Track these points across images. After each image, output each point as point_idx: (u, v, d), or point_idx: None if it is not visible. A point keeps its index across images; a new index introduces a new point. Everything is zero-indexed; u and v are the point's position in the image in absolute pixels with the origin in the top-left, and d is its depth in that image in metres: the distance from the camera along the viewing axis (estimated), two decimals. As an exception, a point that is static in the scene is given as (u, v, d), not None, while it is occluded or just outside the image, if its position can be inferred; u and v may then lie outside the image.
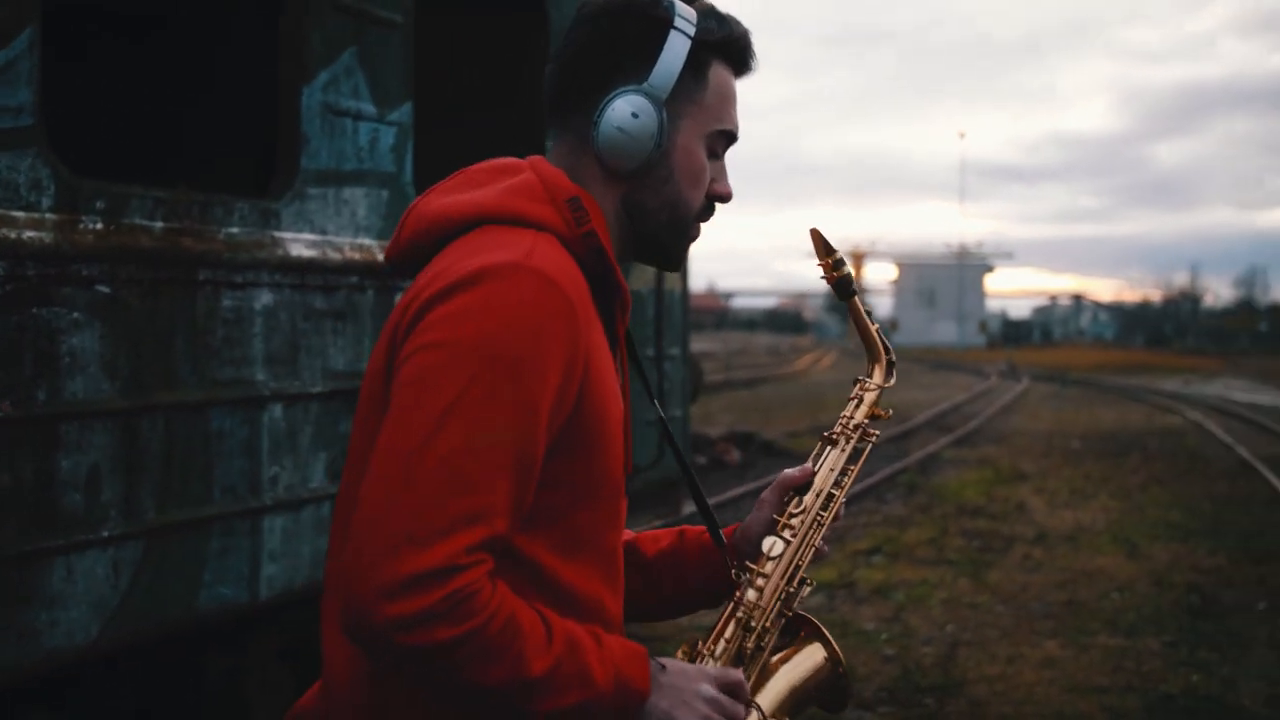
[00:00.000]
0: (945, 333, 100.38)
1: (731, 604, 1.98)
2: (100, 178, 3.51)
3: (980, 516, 12.21)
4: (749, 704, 1.86)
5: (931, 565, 9.91)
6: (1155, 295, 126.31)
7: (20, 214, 3.17)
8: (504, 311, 1.60)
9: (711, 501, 5.18)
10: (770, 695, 1.96)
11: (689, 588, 2.13)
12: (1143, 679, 6.89)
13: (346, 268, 4.26)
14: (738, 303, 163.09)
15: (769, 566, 1.98)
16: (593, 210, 1.78)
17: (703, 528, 2.12)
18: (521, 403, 1.59)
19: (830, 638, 2.04)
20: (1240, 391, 35.30)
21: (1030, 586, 9.18)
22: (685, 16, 1.82)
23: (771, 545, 1.99)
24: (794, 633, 2.04)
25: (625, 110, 1.79)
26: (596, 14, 1.84)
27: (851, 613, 8.38)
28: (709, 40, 1.84)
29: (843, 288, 2.06)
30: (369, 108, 4.39)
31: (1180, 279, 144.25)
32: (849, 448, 2.09)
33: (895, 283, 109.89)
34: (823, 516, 2.04)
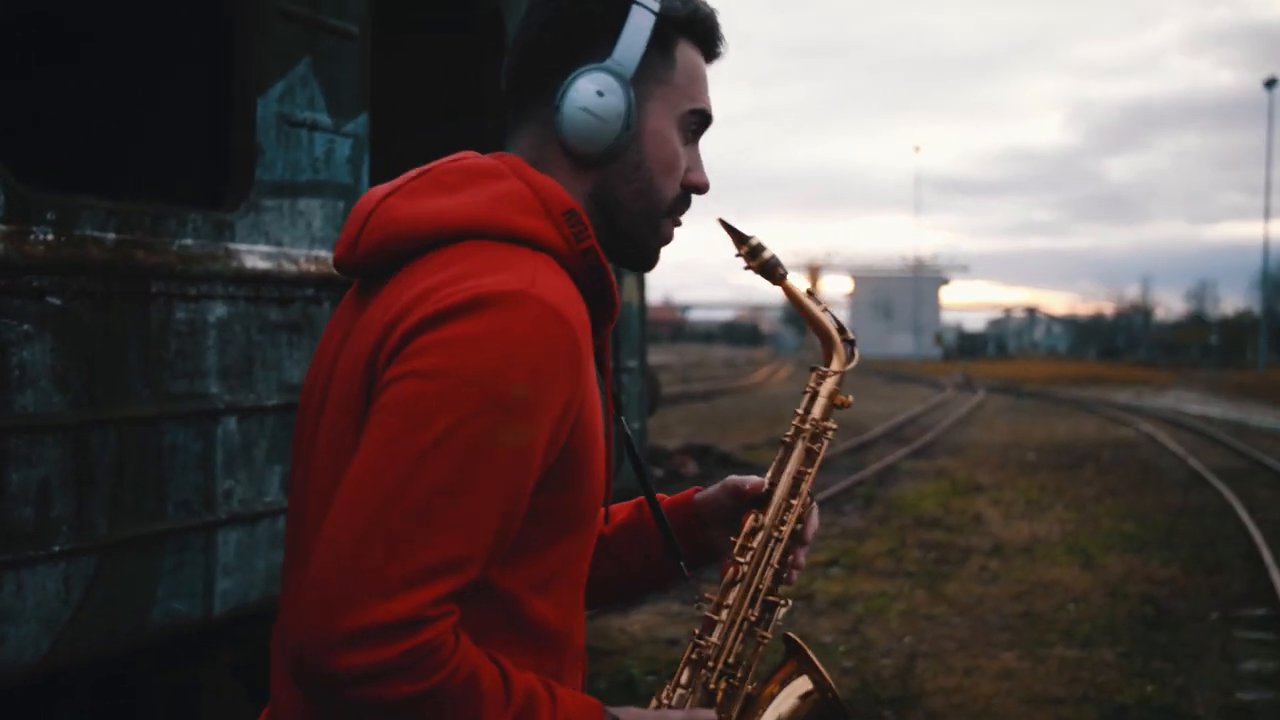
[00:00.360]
0: (901, 345, 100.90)
1: (690, 645, 1.86)
2: (51, 189, 3.47)
3: (937, 528, 12.26)
4: None
5: (889, 577, 9.94)
6: (1108, 308, 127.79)
7: (-31, 225, 3.13)
8: (506, 346, 1.46)
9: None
10: None
11: (655, 561, 1.99)
12: (1098, 690, 6.94)
13: (302, 280, 4.23)
14: (694, 315, 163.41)
15: (730, 595, 1.86)
16: (587, 220, 1.66)
17: (659, 497, 2.00)
18: (516, 447, 1.46)
19: (816, 663, 1.92)
20: (1191, 404, 35.65)
21: (987, 598, 9.23)
22: None
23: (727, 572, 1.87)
24: (786, 655, 1.94)
25: (590, 89, 1.66)
26: None
27: (810, 625, 8.39)
28: (674, 17, 1.72)
29: (769, 272, 1.89)
30: (324, 119, 4.37)
31: (1132, 292, 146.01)
32: (802, 449, 1.92)
33: (851, 295, 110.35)
34: (780, 531, 1.88)
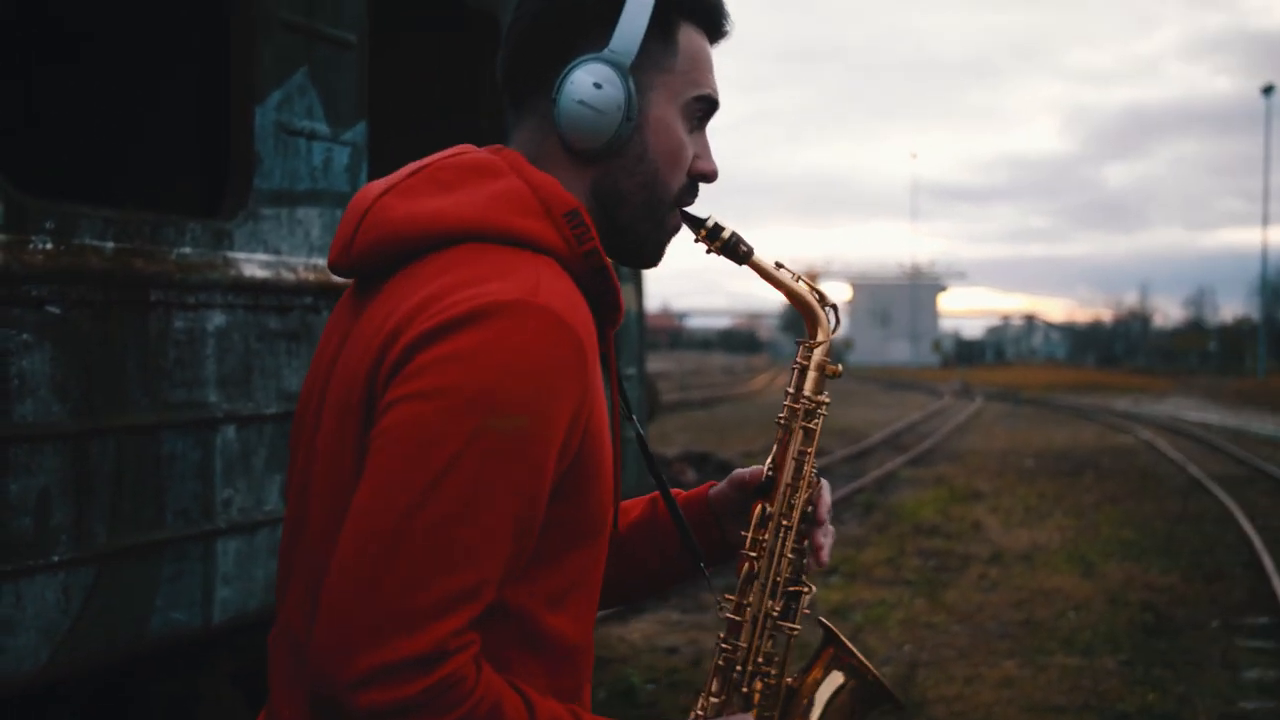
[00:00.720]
0: (899, 352, 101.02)
1: (716, 652, 1.81)
2: (49, 192, 3.46)
3: (936, 536, 12.25)
4: None
5: (888, 585, 9.93)
6: (1106, 315, 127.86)
7: (-32, 234, 3.13)
8: (510, 359, 1.40)
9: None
10: None
11: (673, 559, 1.92)
12: (1099, 698, 6.92)
13: (301, 288, 4.22)
14: (692, 323, 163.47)
15: (749, 592, 1.79)
16: (589, 221, 1.58)
17: (675, 493, 1.94)
18: (527, 463, 1.41)
19: (851, 647, 1.87)
20: (1190, 410, 35.66)
21: (987, 606, 9.21)
22: None
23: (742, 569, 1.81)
24: (824, 642, 1.89)
25: (586, 81, 1.58)
26: None
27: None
28: None
29: (732, 252, 1.76)
30: (322, 127, 4.36)
31: (1130, 299, 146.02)
32: (799, 429, 1.84)
33: (850, 303, 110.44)
34: (789, 518, 1.81)
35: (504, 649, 1.50)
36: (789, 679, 1.84)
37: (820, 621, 1.93)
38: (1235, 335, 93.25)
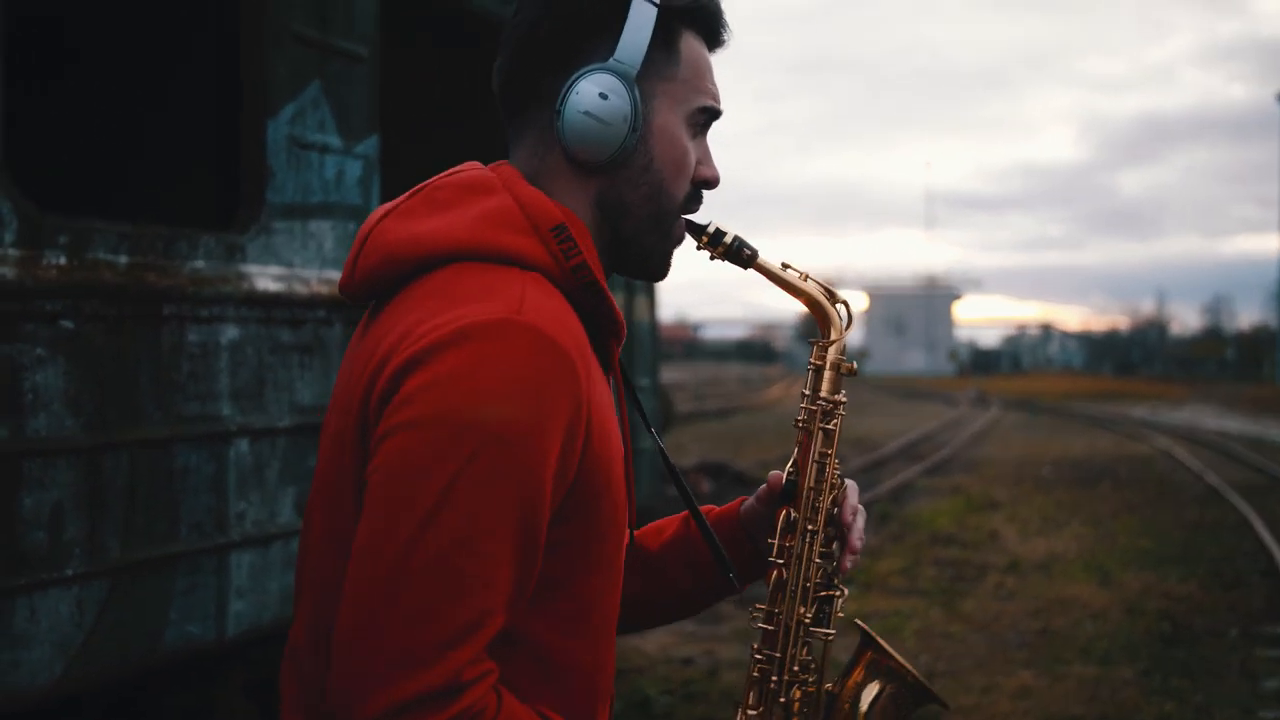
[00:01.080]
0: (915, 361, 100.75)
1: (750, 664, 1.81)
2: (63, 212, 3.48)
3: (953, 545, 12.21)
4: None
5: (904, 595, 9.89)
6: (1122, 323, 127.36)
7: (-19, 249, 3.14)
8: (496, 379, 1.38)
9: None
10: None
11: (706, 577, 1.90)
12: (1118, 708, 6.89)
13: (313, 301, 4.23)
14: (707, 333, 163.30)
15: (779, 600, 1.79)
16: (579, 235, 1.56)
17: (706, 509, 1.93)
18: (521, 484, 1.39)
19: (889, 649, 1.86)
20: (1208, 418, 35.49)
21: (1004, 615, 9.18)
22: None
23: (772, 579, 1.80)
24: (861, 645, 1.88)
25: (592, 92, 1.56)
26: None
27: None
28: (676, 7, 1.62)
29: (736, 256, 1.75)
30: (335, 141, 4.37)
31: (1147, 307, 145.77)
32: (819, 431, 1.82)
33: (866, 312, 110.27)
34: (814, 522, 1.79)
35: (518, 678, 1.48)
36: (829, 685, 1.84)
37: (856, 624, 1.92)
38: (1253, 342, 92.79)
